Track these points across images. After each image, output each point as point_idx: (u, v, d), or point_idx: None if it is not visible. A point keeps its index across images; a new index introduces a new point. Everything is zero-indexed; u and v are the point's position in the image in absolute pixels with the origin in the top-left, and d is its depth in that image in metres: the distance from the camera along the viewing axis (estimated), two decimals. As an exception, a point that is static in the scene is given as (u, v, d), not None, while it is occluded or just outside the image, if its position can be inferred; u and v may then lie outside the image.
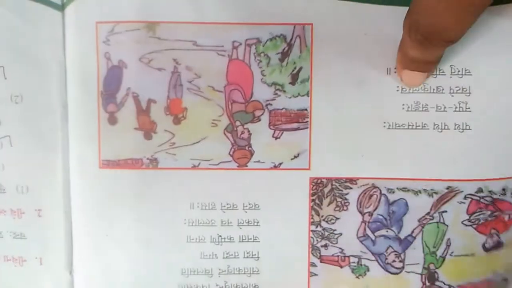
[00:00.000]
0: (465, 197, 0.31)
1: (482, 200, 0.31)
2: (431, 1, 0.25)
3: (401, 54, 0.30)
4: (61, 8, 0.32)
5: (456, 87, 0.31)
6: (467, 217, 0.32)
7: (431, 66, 0.30)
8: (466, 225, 0.32)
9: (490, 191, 0.31)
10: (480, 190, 0.31)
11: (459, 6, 0.24)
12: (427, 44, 0.27)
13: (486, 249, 0.32)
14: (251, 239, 0.32)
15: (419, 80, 0.30)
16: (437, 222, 0.32)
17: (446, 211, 0.32)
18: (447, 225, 0.32)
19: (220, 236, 0.32)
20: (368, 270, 0.32)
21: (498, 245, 0.32)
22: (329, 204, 0.32)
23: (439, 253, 0.32)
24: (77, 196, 0.32)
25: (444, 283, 0.32)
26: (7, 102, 0.32)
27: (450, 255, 0.32)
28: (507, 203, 0.31)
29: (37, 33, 0.32)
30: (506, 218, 0.31)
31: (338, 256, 0.32)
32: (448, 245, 0.32)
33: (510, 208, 0.31)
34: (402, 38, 0.28)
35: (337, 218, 0.32)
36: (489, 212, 0.31)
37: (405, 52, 0.29)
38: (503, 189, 0.31)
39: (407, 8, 0.27)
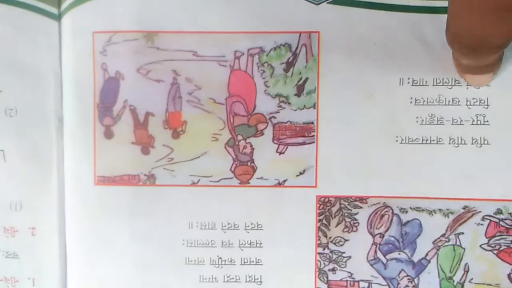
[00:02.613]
0: (483, 218, 0.30)
1: (501, 222, 0.29)
2: (465, 11, 0.23)
3: (456, 63, 0.28)
4: (58, 17, 0.31)
5: (473, 98, 0.29)
6: (486, 240, 0.30)
7: (492, 67, 0.28)
8: (486, 250, 0.30)
9: (510, 214, 0.29)
10: (499, 211, 0.29)
11: (493, 11, 0.22)
12: (475, 54, 0.25)
13: None
14: (253, 261, 0.31)
15: (484, 81, 0.28)
16: (453, 245, 0.30)
17: (463, 233, 0.30)
18: (464, 248, 0.30)
19: (220, 258, 0.31)
20: (380, 296, 0.31)
21: (527, 280, 0.30)
22: (337, 225, 0.30)
23: (456, 278, 0.30)
24: (71, 214, 0.31)
25: (463, 313, 0.30)
26: (2, 116, 0.31)
27: (470, 282, 0.30)
28: None
29: (33, 43, 0.31)
30: (531, 248, 0.29)
31: (347, 280, 0.30)
32: (466, 271, 0.30)
33: None
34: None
35: (345, 240, 0.30)
36: (511, 238, 0.29)
37: (458, 61, 0.27)
38: None
39: (418, 15, 0.26)
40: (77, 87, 0.31)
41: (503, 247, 0.29)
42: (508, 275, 0.29)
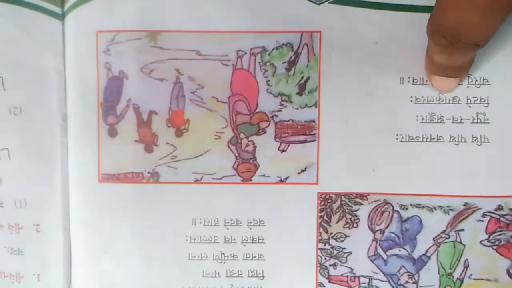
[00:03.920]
0: (483, 215, 0.29)
1: (502, 218, 0.29)
2: (451, 5, 0.23)
3: (429, 60, 0.28)
4: (61, 17, 0.31)
5: (474, 97, 0.29)
6: (486, 236, 0.30)
7: (460, 72, 0.28)
8: (485, 246, 0.30)
9: (510, 209, 0.29)
10: (500, 207, 0.29)
11: (484, 4, 0.22)
12: (452, 49, 0.25)
13: (511, 275, 0.30)
14: (255, 257, 0.31)
15: (450, 86, 0.29)
16: (453, 241, 0.30)
17: (463, 230, 0.30)
18: (464, 245, 0.30)
19: (223, 253, 0.31)
20: (380, 291, 0.30)
21: (526, 274, 0.30)
22: (338, 221, 0.30)
23: (456, 275, 0.30)
24: (75, 211, 0.31)
25: (462, 308, 0.30)
26: (6, 114, 0.31)
27: (469, 278, 0.30)
28: None
29: (37, 42, 0.31)
30: (531, 242, 0.29)
31: (347, 276, 0.30)
32: (465, 267, 0.30)
33: None
34: (428, 43, 0.27)
35: (346, 236, 0.30)
36: (510, 233, 0.29)
37: (431, 58, 0.27)
38: None
39: (419, 14, 0.26)
40: (81, 86, 0.30)
41: (503, 242, 0.29)
42: (507, 270, 0.29)
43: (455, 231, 0.30)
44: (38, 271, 0.31)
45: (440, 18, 0.24)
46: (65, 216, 0.31)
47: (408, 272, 0.30)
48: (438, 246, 0.30)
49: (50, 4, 0.31)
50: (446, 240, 0.30)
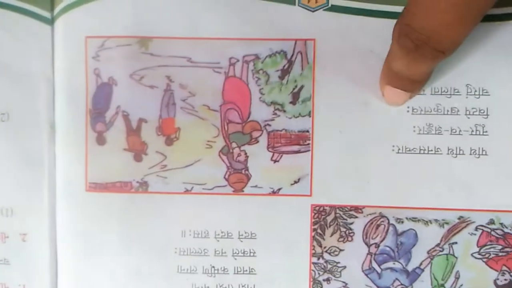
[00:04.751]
0: (476, 228, 0.29)
1: (493, 232, 0.29)
2: (423, 6, 0.22)
3: (386, 67, 0.27)
4: (51, 22, 0.30)
5: (473, 108, 0.28)
6: (477, 249, 0.29)
7: (415, 86, 0.27)
8: (476, 258, 0.29)
9: (501, 224, 0.29)
10: (491, 221, 0.29)
11: (461, 4, 0.22)
12: (415, 55, 0.24)
13: (498, 286, 0.29)
14: (246, 271, 0.30)
15: (401, 99, 0.28)
16: (446, 254, 0.29)
17: (456, 243, 0.29)
18: (457, 257, 0.29)
19: (213, 267, 0.30)
20: (374, 306, 0.30)
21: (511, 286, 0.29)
22: (332, 234, 0.29)
23: (447, 285, 0.29)
24: (62, 220, 0.30)
25: (454, 319, 0.29)
26: (-7, 120, 0.30)
27: None
28: None
29: (25, 48, 0.30)
30: (518, 257, 0.29)
31: (341, 291, 0.30)
32: (457, 278, 0.29)
33: None
34: (390, 47, 0.26)
35: (341, 250, 0.29)
36: (500, 247, 0.29)
37: (391, 64, 0.26)
38: None
39: None
40: (70, 92, 0.30)
41: (492, 255, 0.29)
42: (494, 281, 0.29)
43: (448, 244, 0.29)
44: (24, 282, 0.30)
45: (410, 18, 0.23)
46: (52, 225, 0.30)
47: (402, 284, 0.29)
48: (432, 259, 0.29)
49: (39, 9, 0.30)
50: (440, 253, 0.29)
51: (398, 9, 0.28)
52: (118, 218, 0.30)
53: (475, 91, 0.29)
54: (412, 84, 0.27)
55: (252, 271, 0.30)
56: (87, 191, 0.30)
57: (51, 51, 0.30)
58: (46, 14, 0.30)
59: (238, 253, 0.30)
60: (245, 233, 0.30)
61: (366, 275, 0.29)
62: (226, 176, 0.30)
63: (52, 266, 0.30)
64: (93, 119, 0.30)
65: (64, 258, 0.30)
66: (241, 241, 0.30)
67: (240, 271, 0.30)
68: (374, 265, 0.29)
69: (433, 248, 0.29)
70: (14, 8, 0.30)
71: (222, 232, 0.30)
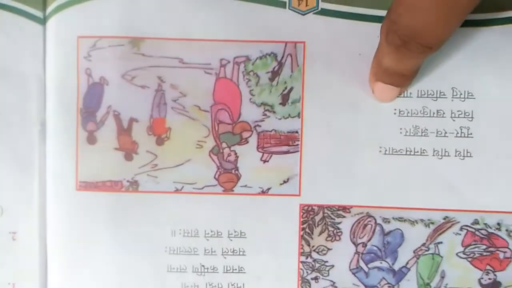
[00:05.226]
0: (461, 228, 0.29)
1: (477, 232, 0.29)
2: (409, 3, 0.23)
3: (376, 64, 0.27)
4: (43, 21, 0.30)
5: (458, 111, 0.29)
6: (462, 249, 0.29)
7: (405, 80, 0.28)
8: (461, 258, 0.29)
9: (485, 224, 0.29)
10: (476, 221, 0.29)
11: (444, 4, 0.22)
12: (404, 50, 0.24)
13: (482, 285, 0.29)
14: (236, 270, 0.30)
15: (391, 94, 0.28)
16: (432, 254, 0.29)
17: (441, 242, 0.29)
18: (442, 257, 0.29)
19: (203, 266, 0.30)
20: (361, 304, 0.30)
21: (495, 284, 0.29)
22: (320, 234, 0.30)
23: (433, 284, 0.30)
24: (52, 219, 0.30)
25: (439, 317, 0.30)
26: (-16, 119, 0.30)
27: (445, 287, 0.30)
28: (502, 239, 0.29)
29: (17, 47, 0.30)
30: (501, 256, 0.29)
31: (329, 289, 0.30)
32: (442, 277, 0.29)
33: (504, 245, 0.29)
34: (379, 44, 0.26)
35: (329, 249, 0.30)
36: (484, 246, 0.29)
37: (380, 61, 0.27)
38: (498, 224, 0.29)
39: None
40: (61, 91, 0.30)
41: (476, 255, 0.29)
42: (479, 280, 0.29)
43: (434, 243, 0.29)
44: (13, 281, 0.30)
45: (396, 16, 0.24)
46: (42, 224, 0.30)
47: (388, 283, 0.30)
48: (417, 258, 0.30)
49: (31, 8, 0.30)
50: (426, 252, 0.29)
51: (385, 13, 0.28)
52: (108, 217, 0.30)
53: (461, 94, 0.29)
54: (402, 79, 0.28)
55: (241, 270, 0.30)
56: (78, 190, 0.30)
57: (42, 50, 0.30)
58: (38, 13, 0.30)
59: (227, 252, 0.30)
60: (235, 232, 0.30)
61: (354, 274, 0.30)
62: (216, 176, 0.30)
63: (42, 265, 0.30)
64: (84, 119, 0.30)
65: (53, 257, 0.30)
66: (231, 240, 0.30)
67: (230, 270, 0.30)
68: (362, 264, 0.30)
69: (419, 247, 0.29)
70: (6, 7, 0.30)
71: (212, 231, 0.30)
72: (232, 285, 0.30)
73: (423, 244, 0.29)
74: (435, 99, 0.29)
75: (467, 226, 0.29)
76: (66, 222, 0.30)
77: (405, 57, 0.25)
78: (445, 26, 0.23)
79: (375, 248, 0.30)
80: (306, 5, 0.29)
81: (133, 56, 0.29)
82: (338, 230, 0.30)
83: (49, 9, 0.30)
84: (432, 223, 0.29)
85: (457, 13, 0.23)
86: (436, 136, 0.29)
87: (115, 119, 0.30)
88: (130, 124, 0.30)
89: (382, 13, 0.28)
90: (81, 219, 0.30)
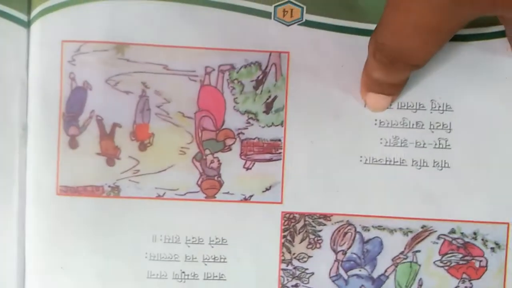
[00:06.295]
0: (438, 237, 0.30)
1: (454, 241, 0.30)
2: (397, 25, 0.23)
3: (366, 76, 0.28)
4: (27, 24, 0.29)
5: (437, 123, 0.29)
6: (439, 257, 0.30)
7: (396, 89, 0.28)
8: (438, 266, 0.30)
9: (462, 233, 0.30)
10: (453, 231, 0.30)
11: (426, 32, 0.23)
12: (391, 67, 0.25)
13: None
14: (216, 276, 0.30)
15: (383, 103, 0.29)
16: (410, 262, 0.30)
17: (419, 251, 0.30)
18: (420, 265, 0.30)
19: (184, 272, 0.30)
20: (340, 311, 0.30)
21: (472, 293, 0.30)
22: (301, 241, 0.30)
23: (411, 293, 0.30)
24: (31, 223, 0.29)
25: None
26: (-36, 121, 0.29)
27: None
28: (478, 249, 0.30)
29: (0, 50, 0.29)
30: (477, 265, 0.30)
31: (309, 297, 0.30)
32: (420, 285, 0.30)
33: (480, 254, 0.30)
34: (367, 59, 0.27)
35: (309, 256, 0.30)
36: (460, 255, 0.30)
37: (369, 74, 0.27)
38: (474, 233, 0.29)
39: None
40: (43, 95, 0.29)
41: (453, 264, 0.30)
42: None
43: (412, 252, 0.30)
44: (-11, 286, 0.29)
45: (382, 38, 0.24)
46: (21, 228, 0.29)
47: (367, 291, 0.30)
48: (396, 266, 0.30)
49: (16, 11, 0.29)
50: (404, 261, 0.30)
51: (371, 26, 0.29)
52: (89, 223, 0.29)
53: (439, 106, 0.30)
54: (392, 88, 0.28)
55: (222, 277, 0.30)
56: (58, 194, 0.29)
57: (26, 54, 0.29)
58: (22, 16, 0.29)
59: (208, 259, 0.30)
60: (216, 239, 0.30)
61: (333, 281, 0.30)
62: (199, 182, 0.30)
63: (20, 270, 0.30)
64: (66, 123, 0.29)
65: (32, 262, 0.29)
66: (212, 247, 0.30)
67: (210, 276, 0.30)
68: (341, 271, 0.30)
69: (397, 255, 0.30)
70: (-10, 9, 0.29)
71: (193, 238, 0.30)
72: (212, 291, 0.30)
73: (402, 253, 0.30)
74: (414, 111, 0.30)
75: (444, 235, 0.30)
76: (45, 227, 0.29)
77: (393, 73, 0.26)
78: (429, 49, 0.24)
79: (354, 255, 0.30)
80: (291, 16, 0.29)
81: (117, 62, 0.29)
82: (318, 238, 0.30)
83: (34, 13, 0.29)
84: (411, 231, 0.30)
85: (440, 38, 0.24)
86: (415, 146, 0.29)
87: (98, 124, 0.29)
88: (113, 129, 0.29)
89: (366, 26, 0.29)
90: (61, 224, 0.29)
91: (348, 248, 0.30)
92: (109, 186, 0.29)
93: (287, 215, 0.30)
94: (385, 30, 0.24)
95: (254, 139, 0.30)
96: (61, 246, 0.29)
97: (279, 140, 0.29)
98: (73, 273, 0.29)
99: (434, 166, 0.29)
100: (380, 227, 0.30)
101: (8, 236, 0.29)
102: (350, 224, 0.30)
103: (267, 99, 0.30)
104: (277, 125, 0.29)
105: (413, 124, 0.29)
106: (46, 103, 0.29)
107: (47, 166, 0.29)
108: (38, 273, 0.29)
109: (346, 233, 0.30)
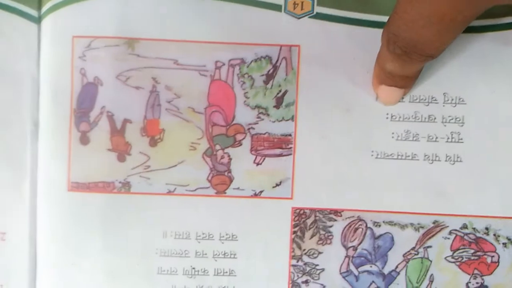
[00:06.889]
0: (450, 233, 0.29)
1: (465, 237, 0.29)
2: (411, 16, 0.23)
3: (378, 68, 0.27)
4: (38, 20, 0.29)
5: (449, 116, 0.29)
6: (451, 253, 0.29)
7: (409, 82, 0.28)
8: (449, 262, 0.29)
9: (474, 228, 0.29)
10: (464, 226, 0.29)
11: (440, 22, 0.23)
12: (405, 58, 0.25)
13: None
14: (226, 272, 0.29)
15: (396, 96, 0.28)
16: (421, 258, 0.29)
17: (431, 246, 0.29)
18: (431, 261, 0.29)
19: (194, 268, 0.29)
20: (351, 307, 0.29)
21: (483, 288, 0.29)
22: (311, 237, 0.29)
23: (422, 288, 0.29)
24: (43, 219, 0.29)
25: (428, 321, 0.29)
26: (-24, 117, 0.29)
27: None
28: (490, 244, 0.29)
29: (11, 46, 0.29)
30: (489, 260, 0.29)
31: (319, 293, 0.29)
32: (431, 281, 0.29)
33: (492, 249, 0.29)
34: (380, 50, 0.26)
35: (320, 252, 0.29)
36: (472, 251, 0.29)
37: (382, 65, 0.27)
38: (486, 228, 0.29)
39: None
40: (54, 91, 0.29)
41: (464, 259, 0.29)
42: (466, 284, 0.29)
43: (423, 247, 0.29)
44: (2, 282, 0.30)
45: (396, 29, 0.24)
46: (32, 224, 0.29)
47: (378, 287, 0.30)
48: (407, 262, 0.29)
49: (26, 7, 0.29)
50: (415, 256, 0.29)
51: (383, 18, 0.28)
52: (100, 218, 0.29)
53: (452, 100, 0.29)
54: (405, 81, 0.28)
55: (232, 273, 0.30)
56: (69, 190, 0.29)
57: (37, 49, 0.29)
58: (33, 12, 0.29)
59: (218, 255, 0.30)
60: (226, 234, 0.29)
61: (344, 277, 0.30)
62: (209, 178, 0.29)
63: (31, 266, 0.30)
64: (77, 119, 0.29)
65: (43, 257, 0.29)
66: (222, 243, 0.29)
67: (220, 272, 0.30)
68: (352, 267, 0.30)
69: (408, 251, 0.29)
70: (1, 5, 0.29)
71: (203, 234, 0.29)
72: None
73: (413, 248, 0.29)
74: (427, 104, 0.29)
75: (456, 230, 0.29)
76: (57, 223, 0.29)
77: (407, 64, 0.25)
78: (444, 40, 0.24)
79: (365, 251, 0.29)
80: (302, 9, 0.29)
81: (128, 57, 0.29)
82: (329, 234, 0.29)
83: (44, 8, 0.29)
84: (422, 227, 0.29)
85: (454, 29, 0.23)
86: (427, 141, 0.29)
87: (109, 120, 0.29)
88: (123, 125, 0.29)
89: (377, 18, 0.29)
90: (72, 220, 0.29)
91: (359, 244, 0.29)
92: (120, 182, 0.29)
93: (298, 211, 0.29)
94: (398, 21, 0.24)
95: (264, 134, 0.29)
96: (72, 243, 0.29)
97: (290, 135, 0.29)
98: (84, 269, 0.29)
99: (446, 160, 0.29)
100: (391, 223, 0.29)
101: (20, 232, 0.30)
102: (361, 220, 0.29)
103: (278, 93, 0.29)
104: (287, 120, 0.29)
105: (425, 118, 0.29)
106: (57, 99, 0.29)
107: (58, 162, 0.29)
108: (49, 268, 0.29)
109: (357, 228, 0.29)
